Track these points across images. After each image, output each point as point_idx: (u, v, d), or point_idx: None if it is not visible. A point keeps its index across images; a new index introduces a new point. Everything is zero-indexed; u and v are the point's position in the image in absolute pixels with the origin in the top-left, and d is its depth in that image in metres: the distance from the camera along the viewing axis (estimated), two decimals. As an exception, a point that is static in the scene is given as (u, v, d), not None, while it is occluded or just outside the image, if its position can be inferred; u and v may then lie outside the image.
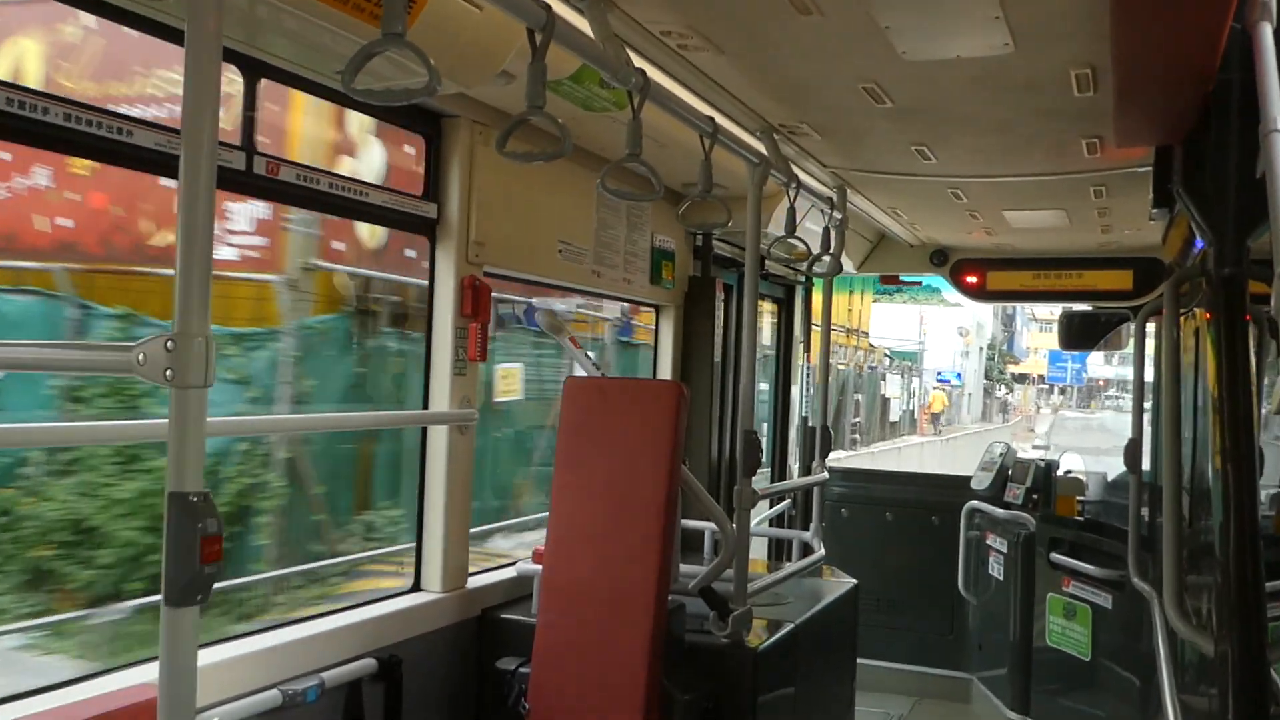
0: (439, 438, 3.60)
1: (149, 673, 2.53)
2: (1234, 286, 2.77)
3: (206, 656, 2.66)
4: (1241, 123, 2.74)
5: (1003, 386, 61.06)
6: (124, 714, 2.21)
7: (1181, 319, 3.64)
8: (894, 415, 35.94)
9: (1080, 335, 6.57)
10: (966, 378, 52.61)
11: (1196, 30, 2.43)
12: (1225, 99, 2.77)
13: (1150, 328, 4.81)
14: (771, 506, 5.97)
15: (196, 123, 1.55)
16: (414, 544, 3.67)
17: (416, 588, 3.61)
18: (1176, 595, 3.01)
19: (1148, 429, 4.65)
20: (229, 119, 2.82)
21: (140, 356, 1.49)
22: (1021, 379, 66.23)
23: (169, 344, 1.49)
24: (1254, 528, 2.56)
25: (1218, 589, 2.71)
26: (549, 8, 2.40)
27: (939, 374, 47.73)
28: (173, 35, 2.49)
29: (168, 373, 1.48)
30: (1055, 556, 5.80)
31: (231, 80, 2.81)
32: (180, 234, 1.53)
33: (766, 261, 5.92)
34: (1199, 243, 3.13)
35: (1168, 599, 3.07)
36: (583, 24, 2.74)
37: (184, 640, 1.48)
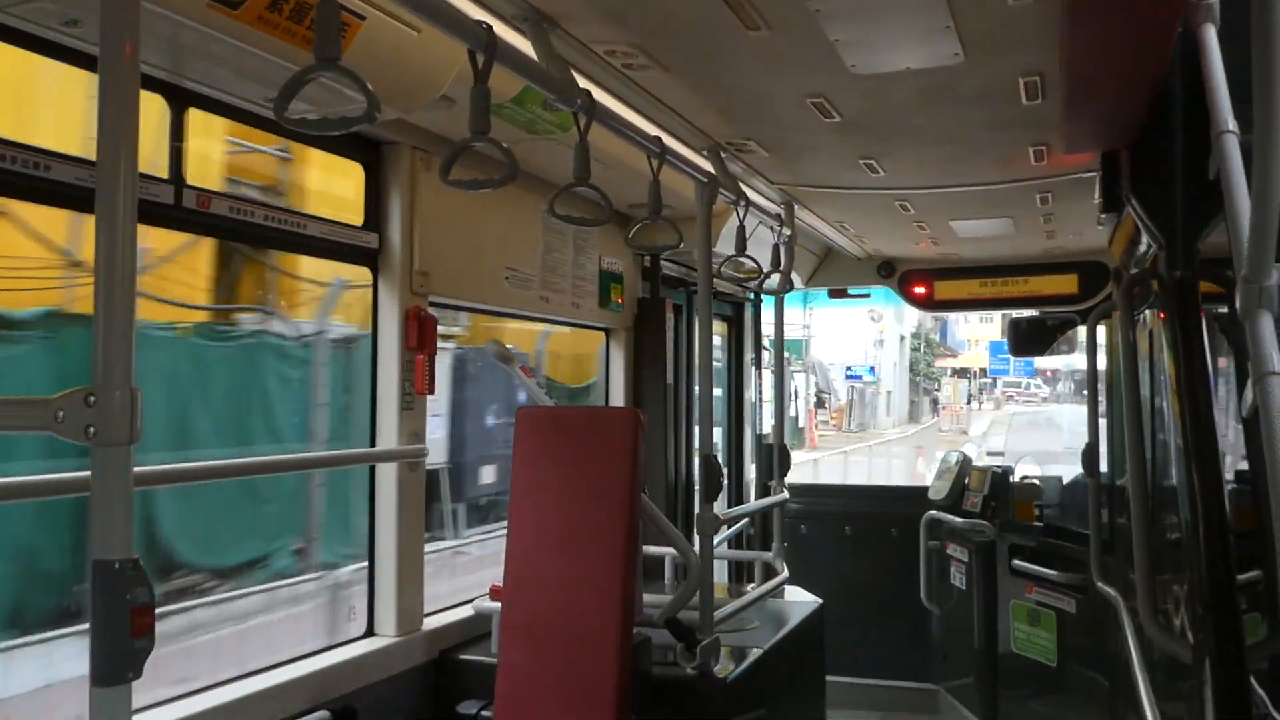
0: (388, 476, 3.47)
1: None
2: (1186, 288, 2.76)
3: (150, 718, 2.52)
4: (1188, 126, 2.73)
5: (933, 382, 56.33)
6: None
7: (1135, 321, 3.64)
8: (764, 425, 31.27)
9: (1029, 341, 6.60)
10: (883, 373, 45.52)
11: (1146, 34, 2.41)
12: (1172, 102, 2.77)
13: (1101, 330, 4.82)
14: (730, 527, 5.90)
15: (113, 155, 1.44)
16: (366, 587, 3.53)
17: (370, 632, 3.47)
18: (1150, 606, 2.98)
19: (1104, 432, 4.65)
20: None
21: (59, 414, 1.37)
22: (962, 373, 60.97)
23: (90, 398, 1.37)
24: (1223, 527, 2.53)
25: (1189, 591, 2.68)
26: (490, 28, 2.31)
27: (848, 369, 41.55)
28: (88, 62, 2.36)
29: (89, 430, 1.36)
30: (1016, 563, 5.78)
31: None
32: (99, 276, 1.42)
33: (715, 280, 5.87)
34: (1144, 244, 3.13)
35: (1142, 609, 3.04)
36: (525, 45, 2.66)
37: (117, 721, 1.36)
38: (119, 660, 1.34)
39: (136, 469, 1.45)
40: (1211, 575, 2.51)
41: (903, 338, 49.33)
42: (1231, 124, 2.17)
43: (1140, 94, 2.77)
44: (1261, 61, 1.77)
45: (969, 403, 58.09)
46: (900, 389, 49.44)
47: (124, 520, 1.37)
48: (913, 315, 44.88)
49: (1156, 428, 3.48)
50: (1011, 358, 46.25)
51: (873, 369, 44.13)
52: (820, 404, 38.21)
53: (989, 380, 60.79)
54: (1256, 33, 1.77)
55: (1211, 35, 2.40)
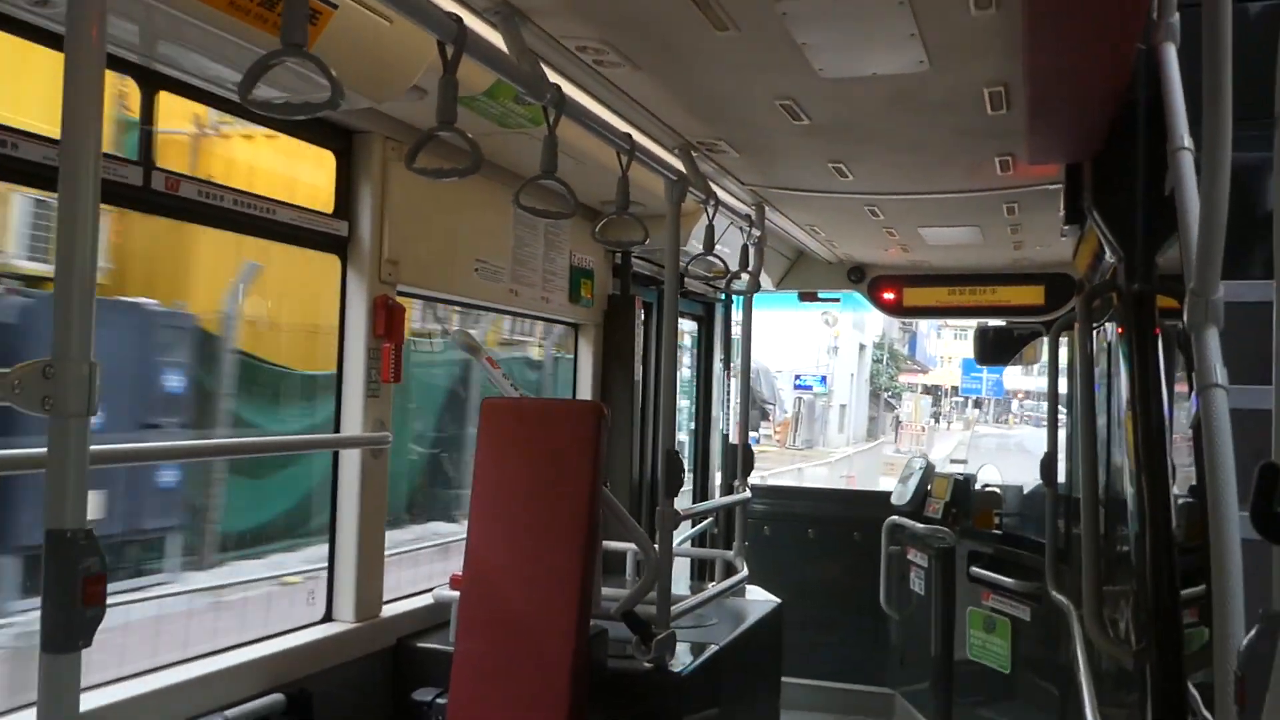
0: (351, 462, 3.48)
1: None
2: (1144, 301, 2.82)
3: (93, 699, 2.52)
4: (1148, 141, 2.80)
5: (896, 397, 51.87)
6: None
7: (1094, 333, 3.70)
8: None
9: (994, 350, 6.69)
10: (837, 384, 40.20)
11: (1105, 50, 2.46)
12: (1132, 118, 2.83)
13: (1063, 342, 4.90)
14: (694, 525, 5.94)
15: (78, 134, 1.46)
16: (325, 572, 3.54)
17: (328, 618, 3.48)
18: (1095, 610, 3.04)
19: (1062, 443, 4.72)
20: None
21: (15, 383, 1.39)
22: (933, 390, 57.88)
23: (47, 370, 1.38)
24: (1168, 538, 2.59)
25: (1134, 600, 2.74)
26: (460, 20, 2.34)
27: (797, 378, 36.76)
28: (53, 40, 2.37)
29: (46, 401, 1.38)
30: (974, 570, 5.85)
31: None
32: (59, 252, 1.43)
33: (686, 279, 5.90)
34: (1108, 257, 3.19)
35: (1087, 614, 3.10)
36: (496, 38, 2.68)
37: (66, 690, 1.38)
38: (70, 628, 1.35)
39: (94, 447, 1.46)
40: (1155, 581, 2.57)
41: (862, 346, 44.30)
42: (1187, 141, 2.22)
43: (1102, 108, 2.82)
44: (1211, 82, 1.83)
45: (937, 421, 54.83)
46: (858, 403, 43.97)
47: (79, 491, 1.39)
48: (876, 323, 41.16)
49: (1111, 439, 3.54)
50: (984, 379, 44.35)
51: (824, 379, 39.04)
52: (764, 416, 33.18)
53: (961, 399, 57.94)
54: (1206, 54, 1.83)
55: (1171, 53, 2.46)
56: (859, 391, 43.99)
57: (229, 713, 2.80)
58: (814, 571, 6.97)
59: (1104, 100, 2.76)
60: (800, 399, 37.33)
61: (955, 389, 55.13)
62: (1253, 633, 1.51)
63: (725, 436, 6.81)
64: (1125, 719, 3.08)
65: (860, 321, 39.73)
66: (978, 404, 58.26)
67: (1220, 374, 1.86)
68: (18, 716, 2.43)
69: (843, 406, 41.72)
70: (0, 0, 2.16)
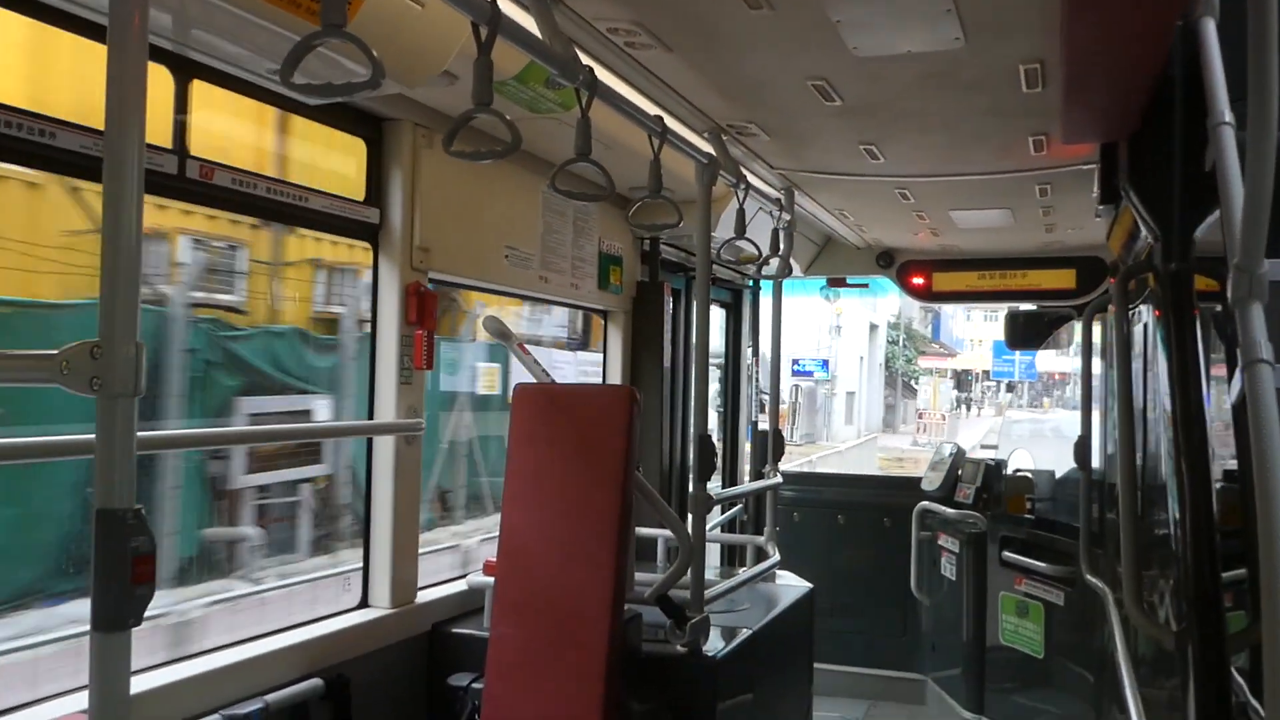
0: (385, 449, 3.50)
1: (80, 700, 2.41)
2: (1181, 281, 2.79)
3: (141, 683, 2.54)
4: (1187, 118, 2.75)
5: (915, 382, 47.24)
6: None
7: (1129, 315, 3.66)
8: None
9: (1025, 334, 6.64)
10: (842, 368, 35.79)
11: (1145, 25, 2.43)
12: (1170, 95, 2.79)
13: (1096, 326, 4.85)
14: (724, 512, 5.93)
15: (122, 124, 1.46)
16: (361, 559, 3.56)
17: (364, 604, 3.50)
18: (1135, 591, 3.01)
19: (1096, 426, 4.68)
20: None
21: (64, 365, 1.40)
22: (961, 375, 53.92)
23: (95, 351, 1.39)
24: (1209, 521, 2.56)
25: (1175, 583, 2.71)
26: (494, 2, 2.33)
27: (795, 363, 32.14)
28: (100, 33, 2.38)
29: (94, 382, 1.39)
30: (1007, 555, 5.82)
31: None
32: (105, 239, 1.44)
33: (714, 265, 5.88)
34: (1143, 238, 3.15)
35: (1127, 595, 3.07)
36: (528, 21, 2.67)
37: (117, 667, 1.39)
38: (120, 606, 1.36)
39: (140, 434, 1.47)
40: (1196, 561, 2.55)
41: (874, 326, 39.53)
42: (1228, 116, 2.19)
43: (1139, 85, 2.79)
44: (1256, 54, 1.80)
45: (966, 409, 51.77)
46: (871, 389, 39.61)
47: (127, 471, 1.39)
48: (890, 300, 35.82)
49: (1149, 422, 3.51)
50: (1016, 362, 41.70)
51: (826, 363, 33.97)
52: (762, 407, 32.17)
53: (993, 383, 55.02)
54: (1252, 26, 1.79)
55: (1210, 28, 2.42)
56: (871, 377, 39.62)
57: (269, 698, 2.82)
58: (844, 558, 6.95)
59: (1141, 77, 2.73)
60: (797, 387, 31.87)
61: (987, 373, 51.87)
62: None
63: (754, 423, 6.80)
64: (1164, 702, 3.05)
65: (873, 300, 34.91)
66: (1010, 388, 55.60)
67: (1266, 349, 1.83)
68: (66, 700, 2.46)
69: (850, 394, 37.42)
70: None
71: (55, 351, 1.41)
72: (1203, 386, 2.71)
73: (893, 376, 44.82)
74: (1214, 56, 2.34)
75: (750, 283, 6.75)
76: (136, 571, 1.37)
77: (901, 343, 45.46)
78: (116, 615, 1.36)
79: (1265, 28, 1.79)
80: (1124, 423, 3.45)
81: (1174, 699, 2.71)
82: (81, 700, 2.40)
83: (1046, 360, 42.67)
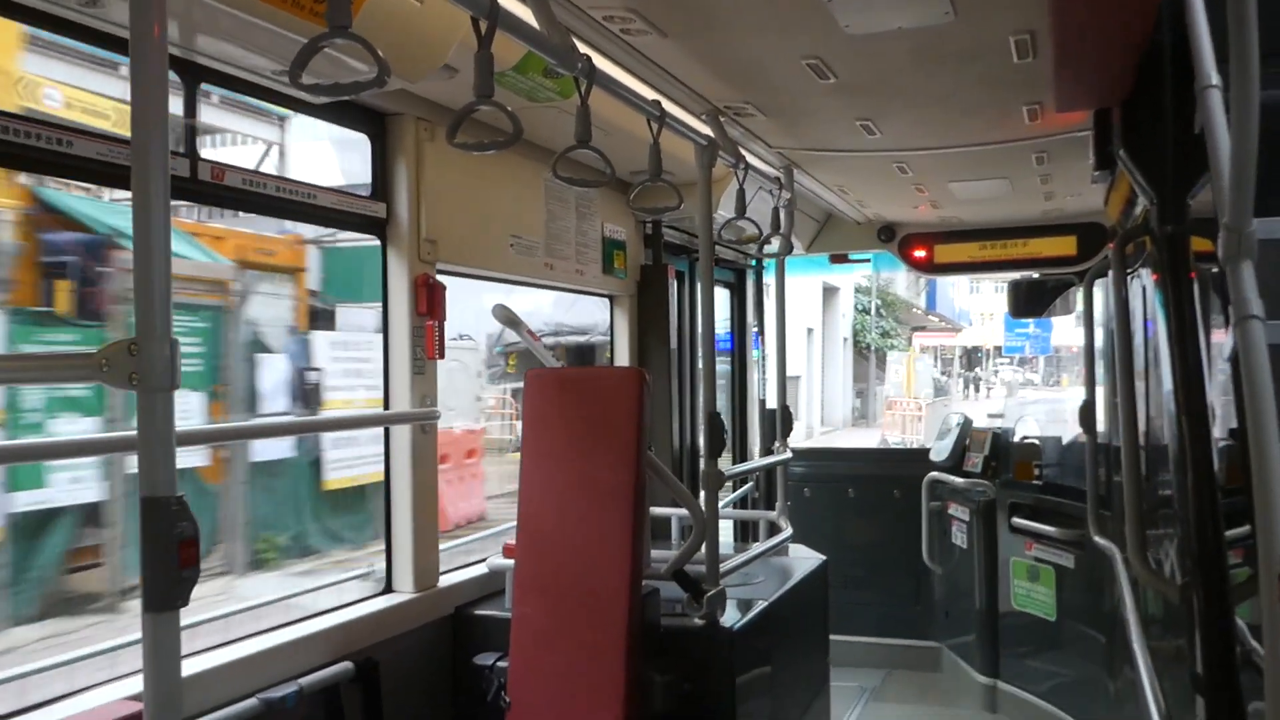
0: (401, 438, 3.57)
1: (125, 688, 2.49)
2: (1177, 243, 2.84)
3: (184, 668, 2.62)
4: (1177, 82, 2.80)
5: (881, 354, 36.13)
6: None
7: (1128, 279, 3.71)
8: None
9: (1028, 302, 6.68)
10: (789, 347, 15.47)
11: None
12: (1160, 59, 2.83)
13: (1097, 291, 4.90)
14: (735, 489, 6.00)
15: (146, 130, 1.52)
16: (384, 546, 3.64)
17: (389, 589, 3.58)
18: (1139, 547, 3.08)
19: (1100, 390, 4.74)
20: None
21: (104, 363, 1.47)
22: (972, 353, 49.62)
23: (132, 348, 1.46)
24: (1210, 477, 2.62)
25: (1178, 539, 2.77)
26: None
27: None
28: (116, 44, 2.45)
29: (133, 378, 1.46)
30: (1016, 521, 5.89)
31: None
32: (136, 243, 1.51)
33: (716, 246, 5.94)
34: (1140, 202, 3.20)
35: (1131, 550, 3.13)
36: (525, 13, 2.73)
37: (168, 646, 1.46)
38: (169, 588, 1.44)
39: (179, 429, 1.54)
40: (1198, 515, 2.61)
41: (830, 290, 30.45)
42: (1215, 79, 2.24)
43: (1129, 50, 2.83)
44: (1237, 17, 1.85)
45: (975, 389, 46.71)
46: (832, 372, 31.54)
47: (168, 460, 1.47)
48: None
49: (1150, 383, 3.56)
50: (1029, 335, 37.82)
51: (758, 338, 20.04)
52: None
53: (1005, 359, 50.71)
54: None
55: None
56: (832, 356, 31.30)
57: (303, 681, 2.91)
58: (855, 530, 7.03)
59: (1131, 43, 2.77)
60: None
61: (998, 349, 48.01)
62: None
63: (763, 402, 6.87)
64: (1172, 655, 3.12)
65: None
66: (1021, 363, 51.83)
67: (1257, 306, 1.89)
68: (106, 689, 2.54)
69: (793, 379, 23.79)
70: (52, 1, 2.24)
71: (95, 350, 1.48)
72: (1201, 347, 2.77)
73: (864, 354, 34.93)
74: (1200, 20, 2.39)
75: (753, 262, 6.81)
76: (182, 555, 1.44)
77: (875, 312, 35.14)
78: (166, 597, 1.44)
79: None
80: (1124, 385, 3.50)
81: (1181, 652, 2.77)
82: (123, 689, 2.49)
83: (1062, 333, 37.29)
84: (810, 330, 28.91)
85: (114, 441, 2.35)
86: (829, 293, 30.74)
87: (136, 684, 2.52)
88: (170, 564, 1.43)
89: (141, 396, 1.46)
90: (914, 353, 38.66)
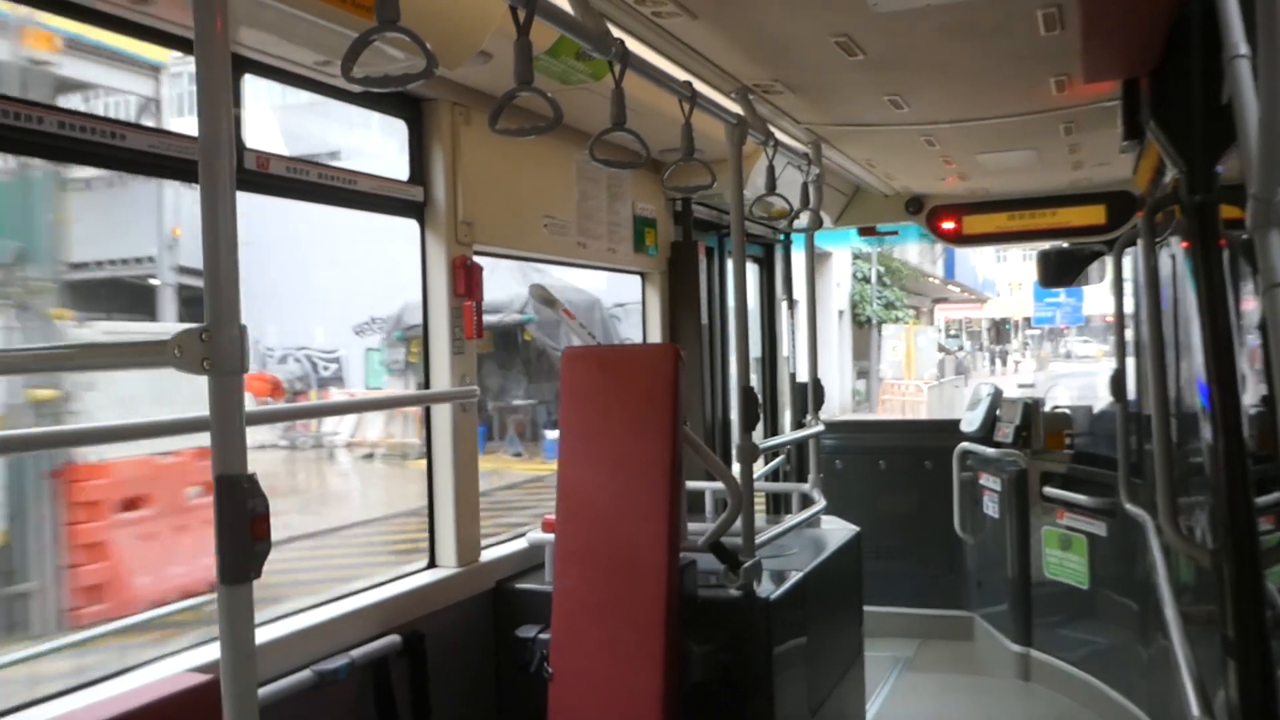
0: (443, 417, 3.66)
1: (185, 661, 2.60)
2: (1206, 212, 2.86)
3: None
4: (1205, 51, 2.81)
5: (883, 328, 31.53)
6: (180, 698, 2.27)
7: (1157, 248, 3.73)
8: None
9: (1058, 272, 6.68)
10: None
11: None
12: (1188, 28, 2.84)
13: (1127, 260, 4.91)
14: (768, 462, 6.07)
15: (214, 126, 1.59)
16: (427, 522, 3.74)
17: (432, 564, 3.68)
18: (1170, 513, 3.12)
19: (1131, 359, 4.76)
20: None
21: (177, 350, 1.55)
22: (1002, 326, 47.36)
23: (203, 335, 1.54)
24: (1240, 444, 2.66)
25: (1210, 506, 2.81)
26: None
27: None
28: (181, 44, 2.53)
29: (205, 363, 1.54)
30: (1048, 490, 5.93)
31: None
32: (205, 234, 1.58)
33: (746, 221, 5.98)
34: (1169, 171, 3.21)
35: (1163, 517, 3.17)
36: (559, -1, 2.79)
37: (243, 616, 1.55)
38: (242, 561, 1.53)
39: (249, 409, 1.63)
40: (1230, 482, 2.65)
41: (820, 257, 13.59)
42: (1244, 48, 2.26)
43: (1157, 20, 2.84)
44: None
45: (1001, 363, 43.71)
46: (834, 351, 26.42)
47: (239, 440, 1.55)
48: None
49: (1179, 351, 3.59)
50: (1060, 306, 36.38)
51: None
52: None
53: (1036, 331, 48.50)
54: None
55: None
56: (831, 333, 26.68)
57: (354, 654, 3.01)
58: (888, 502, 7.08)
59: (1159, 12, 2.79)
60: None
61: (1028, 320, 45.71)
62: None
63: (793, 376, 6.92)
64: (1204, 621, 3.16)
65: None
66: (1053, 335, 49.64)
67: None
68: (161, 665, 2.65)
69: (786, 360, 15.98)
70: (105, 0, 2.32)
71: (168, 338, 1.56)
72: (1231, 314, 2.79)
73: (866, 329, 30.30)
74: None
75: (782, 236, 6.85)
76: (255, 530, 1.53)
77: (879, 280, 30.56)
78: (241, 569, 1.53)
79: None
80: (1155, 353, 3.53)
81: (1213, 618, 2.82)
82: (180, 663, 2.59)
83: (1095, 301, 34.73)
84: (795, 303, 25.01)
85: (184, 423, 2.44)
86: (820, 259, 25.75)
87: (199, 656, 2.63)
88: (244, 538, 1.52)
89: (213, 380, 1.54)
90: (913, 325, 33.58)
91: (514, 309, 16.80)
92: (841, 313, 28.60)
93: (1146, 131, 3.21)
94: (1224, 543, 2.64)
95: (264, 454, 14.43)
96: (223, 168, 1.56)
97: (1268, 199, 1.97)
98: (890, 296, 31.80)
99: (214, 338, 1.54)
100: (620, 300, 16.38)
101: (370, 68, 2.65)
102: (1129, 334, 4.84)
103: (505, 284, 15.03)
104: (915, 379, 29.72)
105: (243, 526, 1.52)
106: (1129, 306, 4.83)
